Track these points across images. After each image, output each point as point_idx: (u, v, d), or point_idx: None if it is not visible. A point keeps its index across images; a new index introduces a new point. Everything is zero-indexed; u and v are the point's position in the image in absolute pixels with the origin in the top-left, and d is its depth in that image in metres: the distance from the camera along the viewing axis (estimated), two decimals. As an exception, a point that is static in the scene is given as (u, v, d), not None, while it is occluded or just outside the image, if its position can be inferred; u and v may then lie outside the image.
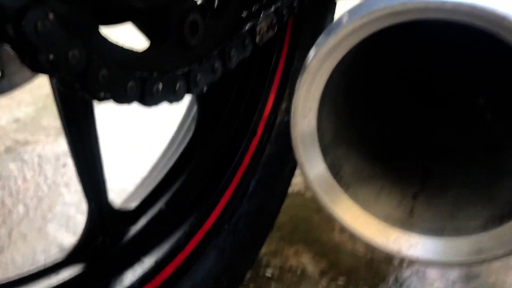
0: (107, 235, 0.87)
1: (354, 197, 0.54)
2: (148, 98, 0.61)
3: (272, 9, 0.83)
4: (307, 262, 1.25)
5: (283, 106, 1.10)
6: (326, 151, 0.54)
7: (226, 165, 1.05)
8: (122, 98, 0.59)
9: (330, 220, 1.39)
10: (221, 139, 1.07)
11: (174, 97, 0.65)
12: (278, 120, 1.09)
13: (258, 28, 0.80)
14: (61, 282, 0.78)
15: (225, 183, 1.04)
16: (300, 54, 1.13)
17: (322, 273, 1.22)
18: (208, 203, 1.00)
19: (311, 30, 1.12)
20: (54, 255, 0.85)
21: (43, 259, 1.24)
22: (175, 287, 0.91)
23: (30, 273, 0.78)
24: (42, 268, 0.80)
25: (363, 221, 0.53)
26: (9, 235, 1.36)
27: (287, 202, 1.40)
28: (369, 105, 0.68)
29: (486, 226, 0.50)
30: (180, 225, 0.96)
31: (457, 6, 0.42)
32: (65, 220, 1.34)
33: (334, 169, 0.55)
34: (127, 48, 0.61)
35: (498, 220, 0.50)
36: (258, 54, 1.09)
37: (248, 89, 1.11)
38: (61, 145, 1.63)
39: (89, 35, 0.56)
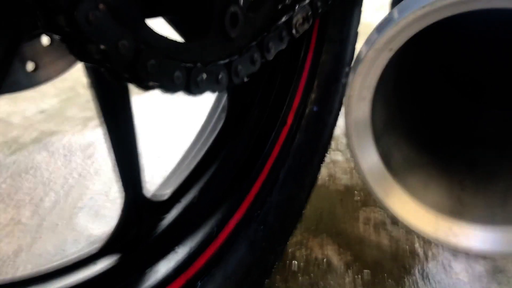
0: (141, 226, 0.88)
1: (404, 186, 0.54)
2: (193, 87, 0.62)
3: (307, 1, 0.83)
4: (332, 254, 1.25)
5: (312, 96, 1.10)
6: (378, 140, 0.55)
7: (256, 155, 1.06)
8: (169, 87, 0.59)
9: (354, 212, 1.40)
10: (251, 128, 1.07)
11: (217, 87, 0.66)
12: (307, 110, 1.09)
13: (294, 20, 0.80)
14: (96, 274, 0.79)
15: (255, 173, 1.04)
16: (328, 46, 1.13)
17: (347, 266, 1.22)
18: (238, 193, 1.01)
19: (338, 23, 1.12)
20: (87, 246, 0.86)
21: (73, 250, 1.26)
22: (208, 278, 0.92)
23: (66, 264, 0.79)
24: (77, 260, 0.81)
25: (411, 210, 0.53)
26: (40, 225, 1.37)
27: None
28: (415, 97, 0.68)
29: (538, 216, 0.50)
30: (212, 215, 0.96)
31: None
32: (95, 210, 1.35)
33: (386, 158, 0.55)
34: (172, 39, 0.61)
35: (552, 209, 0.50)
36: (286, 49, 1.09)
37: (278, 79, 1.11)
38: (87, 136, 1.64)
39: (137, 26, 0.56)
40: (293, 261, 1.22)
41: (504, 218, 0.51)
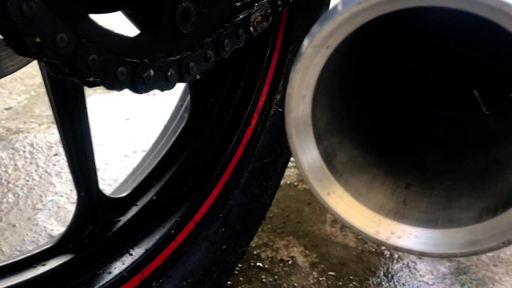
0: (96, 225, 0.86)
1: (347, 186, 0.53)
2: (139, 84, 0.60)
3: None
4: (298, 254, 1.25)
5: (278, 97, 1.09)
6: (320, 139, 0.54)
7: (219, 155, 1.05)
8: (112, 83, 0.57)
9: (321, 213, 1.40)
10: (214, 128, 1.06)
11: (166, 84, 0.64)
12: (272, 111, 1.09)
13: (252, 18, 0.79)
14: (48, 270, 0.77)
15: (218, 173, 1.03)
16: (294, 46, 1.12)
17: (312, 265, 1.22)
18: (200, 194, 0.99)
19: (306, 22, 1.12)
20: (43, 244, 0.84)
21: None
22: (165, 278, 0.90)
23: (17, 259, 0.76)
24: (29, 254, 0.78)
25: (354, 211, 0.52)
26: None
27: (279, 194, 1.40)
28: (364, 96, 0.67)
29: (480, 217, 0.49)
30: (171, 215, 0.95)
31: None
32: (56, 210, 1.33)
33: (328, 158, 0.54)
34: (118, 33, 0.60)
35: (492, 211, 0.49)
36: (252, 45, 1.08)
37: (243, 79, 1.10)
38: (54, 134, 1.61)
39: (78, 19, 0.55)
40: (258, 263, 1.21)
41: (445, 220, 0.50)
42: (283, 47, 1.11)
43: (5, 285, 0.74)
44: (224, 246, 0.98)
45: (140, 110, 1.80)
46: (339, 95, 0.59)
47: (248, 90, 1.09)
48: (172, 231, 0.93)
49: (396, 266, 1.26)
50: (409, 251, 0.50)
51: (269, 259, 1.23)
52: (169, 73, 0.64)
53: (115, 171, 1.47)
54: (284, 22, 1.11)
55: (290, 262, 1.23)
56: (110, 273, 0.86)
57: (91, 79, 0.55)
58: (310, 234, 1.33)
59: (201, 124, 1.05)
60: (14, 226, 1.33)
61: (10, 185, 1.45)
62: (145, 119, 1.75)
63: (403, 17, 0.52)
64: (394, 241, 0.51)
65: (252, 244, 1.25)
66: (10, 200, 1.42)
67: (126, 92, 0.62)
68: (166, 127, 1.09)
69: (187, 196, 0.97)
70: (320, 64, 0.49)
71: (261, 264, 1.21)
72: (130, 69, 0.59)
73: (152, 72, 0.62)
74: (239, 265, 1.18)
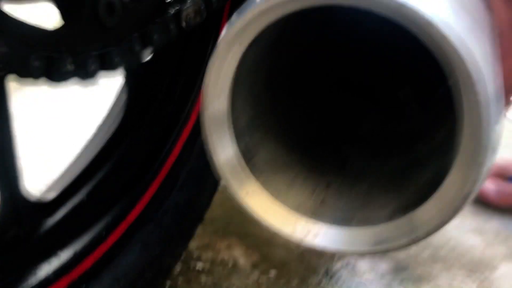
0: (21, 227, 0.83)
1: (266, 185, 0.53)
2: (55, 78, 0.58)
3: (200, -6, 0.81)
4: (239, 255, 1.24)
5: (216, 96, 1.08)
6: (240, 136, 0.53)
7: (155, 154, 1.02)
8: (25, 76, 0.55)
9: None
10: (151, 126, 1.04)
11: (87, 78, 0.62)
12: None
13: (184, 13, 0.77)
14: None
15: (153, 173, 1.01)
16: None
17: (254, 266, 1.21)
18: (133, 194, 0.97)
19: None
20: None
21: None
22: (95, 280, 0.88)
23: None
24: None
25: (272, 210, 0.52)
26: None
27: (222, 195, 1.38)
28: (293, 92, 0.67)
29: (392, 216, 0.50)
30: (102, 217, 0.92)
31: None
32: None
33: (248, 155, 0.53)
34: (34, 25, 0.57)
35: (403, 210, 0.50)
36: (193, 40, 1.06)
37: (183, 76, 1.08)
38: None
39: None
40: (198, 262, 1.20)
41: (361, 219, 0.51)
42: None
43: None
44: (158, 248, 0.96)
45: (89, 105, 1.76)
46: (264, 90, 0.58)
47: (188, 85, 1.08)
48: (103, 233, 0.90)
49: (337, 265, 1.27)
50: (324, 249, 0.50)
51: (210, 260, 1.21)
52: (91, 67, 0.62)
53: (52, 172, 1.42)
54: (227, 13, 1.10)
55: (231, 263, 1.22)
56: (35, 275, 0.83)
57: (1, 72, 0.52)
58: (252, 235, 1.32)
59: (137, 120, 1.02)
60: None
61: None
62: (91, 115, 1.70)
63: (328, 14, 0.51)
64: (310, 239, 0.51)
65: (193, 245, 1.23)
66: None
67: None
68: (102, 125, 1.06)
69: (120, 197, 0.95)
70: (235, 60, 0.48)
71: (201, 265, 1.19)
72: (46, 63, 0.57)
73: (72, 66, 0.59)
74: (179, 266, 1.16)
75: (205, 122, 0.49)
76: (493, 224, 1.47)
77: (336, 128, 0.69)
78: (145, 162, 1.01)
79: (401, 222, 0.48)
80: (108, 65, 0.65)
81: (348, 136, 0.68)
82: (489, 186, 1.52)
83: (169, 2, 0.78)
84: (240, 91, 0.52)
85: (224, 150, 0.51)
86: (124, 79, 0.98)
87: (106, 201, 0.94)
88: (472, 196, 0.45)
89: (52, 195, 0.90)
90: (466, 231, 1.44)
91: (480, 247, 1.38)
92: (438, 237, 1.40)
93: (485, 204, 1.53)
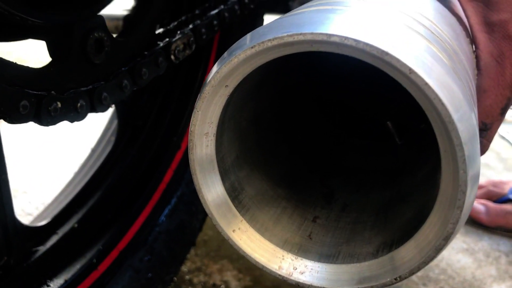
0: (12, 255, 0.83)
1: (252, 222, 0.53)
2: (44, 117, 0.59)
3: (190, 27, 0.83)
4: (231, 278, 1.24)
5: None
6: (226, 174, 0.54)
7: (146, 180, 1.03)
8: (14, 117, 0.56)
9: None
10: (142, 153, 1.04)
11: (76, 116, 0.63)
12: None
13: (173, 46, 0.78)
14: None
15: (144, 199, 1.01)
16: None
17: (246, 290, 1.21)
18: (125, 221, 0.98)
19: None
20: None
21: None
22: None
23: None
24: None
25: (258, 247, 0.52)
26: None
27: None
28: (279, 128, 0.68)
29: (377, 253, 0.51)
30: (93, 244, 0.92)
31: (342, 40, 0.42)
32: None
33: (234, 193, 0.54)
34: (21, 65, 0.58)
35: (388, 246, 0.51)
36: (183, 68, 1.07)
37: (173, 103, 1.09)
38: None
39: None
40: (190, 286, 1.20)
41: (346, 255, 0.51)
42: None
43: None
44: (149, 274, 0.96)
45: (76, 132, 1.76)
46: (249, 128, 0.59)
47: (178, 113, 1.09)
48: (94, 260, 0.91)
49: (329, 288, 1.27)
50: (311, 287, 0.50)
51: (202, 284, 1.21)
52: (78, 104, 0.63)
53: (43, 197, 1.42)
54: (217, 44, 1.11)
55: (223, 286, 1.22)
56: (25, 306, 0.83)
57: (-11, 113, 0.53)
58: (244, 257, 1.32)
59: (128, 148, 1.03)
60: None
61: None
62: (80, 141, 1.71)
63: (313, 55, 0.53)
64: (297, 276, 0.52)
65: (185, 268, 1.24)
66: None
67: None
68: (93, 151, 1.07)
69: (111, 223, 0.95)
70: (221, 102, 0.49)
71: (193, 289, 1.19)
72: (35, 102, 0.58)
73: (59, 104, 0.60)
74: (170, 290, 1.16)
75: (193, 163, 0.49)
76: (483, 244, 1.48)
77: (321, 161, 0.69)
78: (136, 188, 1.01)
79: (385, 260, 0.49)
80: (96, 101, 0.66)
81: (333, 169, 0.69)
82: (480, 207, 1.53)
83: (158, 34, 0.79)
84: (225, 131, 0.53)
85: (210, 190, 0.51)
86: (115, 107, 0.99)
87: (98, 228, 0.94)
88: (453, 237, 0.45)
89: (43, 222, 0.90)
90: (457, 251, 1.44)
91: (471, 268, 1.38)
92: None
93: (475, 224, 1.54)
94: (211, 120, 0.49)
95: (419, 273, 1.34)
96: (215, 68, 0.47)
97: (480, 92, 0.63)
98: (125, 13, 0.85)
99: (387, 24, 0.46)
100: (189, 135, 0.49)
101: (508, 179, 1.64)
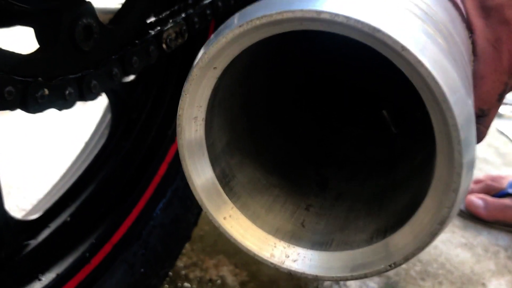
0: (2, 248, 0.81)
1: (244, 209, 0.52)
2: (31, 104, 0.57)
3: (182, 16, 0.81)
4: (227, 274, 1.23)
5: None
6: (216, 160, 0.52)
7: (140, 173, 1.02)
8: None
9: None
10: (136, 146, 1.03)
11: (63, 104, 0.62)
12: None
13: (165, 35, 0.77)
14: None
15: (138, 193, 1.00)
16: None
17: (242, 285, 1.20)
18: (118, 214, 0.96)
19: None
20: None
21: None
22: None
23: None
24: None
25: (250, 235, 0.51)
26: None
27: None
28: (272, 114, 0.67)
29: (371, 240, 0.49)
30: (86, 238, 0.91)
31: (333, 16, 0.41)
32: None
33: (225, 179, 0.53)
34: (7, 50, 0.57)
35: (382, 233, 0.49)
36: (178, 60, 1.06)
37: (168, 96, 1.08)
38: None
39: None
40: (185, 283, 1.18)
41: (340, 243, 0.50)
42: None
43: None
44: (143, 269, 0.95)
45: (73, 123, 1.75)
46: (241, 114, 0.58)
47: (173, 106, 1.07)
48: (87, 254, 0.89)
49: (326, 283, 1.26)
50: (303, 275, 0.49)
51: (198, 279, 1.20)
52: (67, 92, 0.62)
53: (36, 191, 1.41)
54: (212, 32, 1.10)
55: (219, 281, 1.20)
56: (16, 300, 0.81)
57: (-27, 99, 0.52)
58: (241, 252, 1.31)
59: (122, 141, 1.02)
60: None
61: None
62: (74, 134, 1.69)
63: (305, 36, 0.51)
64: (289, 264, 0.50)
65: (181, 263, 1.22)
66: None
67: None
68: (87, 145, 1.06)
69: (105, 217, 0.94)
70: (210, 84, 0.48)
71: (189, 285, 1.18)
72: (21, 88, 0.56)
73: (46, 91, 0.59)
74: (166, 286, 1.15)
75: (181, 148, 0.48)
76: (482, 238, 1.47)
77: (315, 150, 0.68)
78: (130, 182, 1.00)
79: (379, 247, 0.48)
80: (85, 89, 0.64)
81: (327, 158, 0.68)
82: (478, 201, 1.52)
83: (150, 23, 0.78)
84: (215, 116, 0.51)
85: (200, 175, 0.50)
86: (108, 99, 0.98)
87: (90, 221, 0.93)
88: (449, 221, 0.44)
89: (35, 216, 0.89)
90: (455, 246, 1.43)
91: (470, 262, 1.37)
92: (428, 253, 1.39)
93: (474, 218, 1.53)
94: (200, 104, 0.48)
95: (418, 268, 1.33)
96: (202, 50, 0.46)
97: (477, 78, 0.62)
98: (120, 6, 0.84)
99: (379, 2, 0.44)
100: (177, 119, 0.48)
101: (506, 173, 1.63)
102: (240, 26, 0.43)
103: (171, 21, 0.79)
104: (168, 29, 0.78)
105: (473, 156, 0.44)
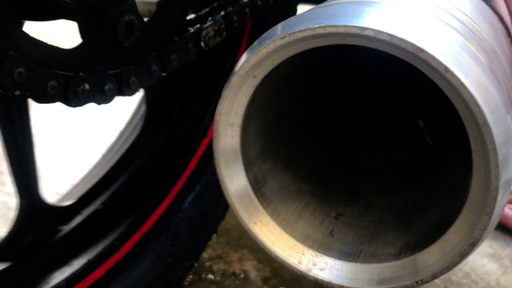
0: (37, 233, 0.84)
1: (274, 215, 0.53)
2: (72, 99, 0.59)
3: (221, 14, 0.82)
4: (251, 268, 1.24)
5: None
6: (250, 166, 0.53)
7: (171, 166, 1.03)
8: (42, 97, 0.56)
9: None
10: (168, 139, 1.05)
11: (103, 99, 0.63)
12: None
13: (203, 33, 0.78)
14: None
15: (168, 185, 1.02)
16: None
17: (264, 281, 1.21)
18: (148, 205, 0.98)
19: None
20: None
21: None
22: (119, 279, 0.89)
23: None
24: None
25: (279, 241, 0.52)
26: None
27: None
28: (306, 122, 0.67)
29: (399, 255, 0.49)
30: (116, 226, 0.93)
31: (377, 34, 0.41)
32: (5, 211, 1.30)
33: (257, 185, 0.54)
34: (51, 45, 0.58)
35: (411, 249, 0.49)
36: (213, 56, 1.07)
37: (202, 91, 1.09)
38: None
39: (6, 30, 0.53)
40: (209, 275, 1.20)
41: (367, 255, 0.50)
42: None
43: None
44: (170, 260, 0.97)
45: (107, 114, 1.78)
46: (276, 121, 0.58)
47: (206, 101, 1.09)
48: (117, 242, 0.92)
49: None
50: (329, 284, 0.50)
51: (221, 271, 1.22)
52: (106, 87, 0.63)
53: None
54: (248, 33, 1.10)
55: (242, 275, 1.22)
56: (48, 283, 0.84)
57: (17, 92, 0.53)
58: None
59: (155, 133, 1.03)
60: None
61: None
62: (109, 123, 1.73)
63: (343, 51, 0.51)
64: (316, 272, 0.51)
65: (205, 255, 1.24)
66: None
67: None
68: (121, 135, 1.08)
69: (135, 207, 0.96)
70: (248, 92, 0.48)
71: (212, 277, 1.20)
72: (63, 83, 0.58)
73: (87, 86, 0.60)
74: (190, 276, 1.17)
75: (216, 153, 0.49)
76: (510, 250, 1.44)
77: (347, 159, 0.68)
78: (161, 173, 1.02)
79: (407, 263, 0.48)
80: (124, 85, 0.66)
81: (359, 167, 0.68)
82: (510, 212, 1.50)
83: (189, 20, 0.78)
84: (251, 122, 0.52)
85: (233, 181, 0.51)
86: (144, 92, 0.99)
87: (121, 210, 0.95)
88: (480, 243, 0.44)
89: (68, 202, 0.91)
90: (482, 256, 1.41)
91: (496, 274, 1.35)
92: None
93: (504, 229, 1.50)
94: (237, 111, 0.49)
95: (442, 276, 1.32)
96: (244, 57, 0.46)
97: None
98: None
99: (422, 19, 0.44)
100: (214, 124, 0.49)
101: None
102: (282, 38, 0.43)
103: (210, 19, 0.80)
104: (207, 27, 0.79)
105: (510, 176, 0.43)
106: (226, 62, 1.10)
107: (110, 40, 0.64)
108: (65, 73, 0.58)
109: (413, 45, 0.40)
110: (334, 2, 0.48)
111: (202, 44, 0.78)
